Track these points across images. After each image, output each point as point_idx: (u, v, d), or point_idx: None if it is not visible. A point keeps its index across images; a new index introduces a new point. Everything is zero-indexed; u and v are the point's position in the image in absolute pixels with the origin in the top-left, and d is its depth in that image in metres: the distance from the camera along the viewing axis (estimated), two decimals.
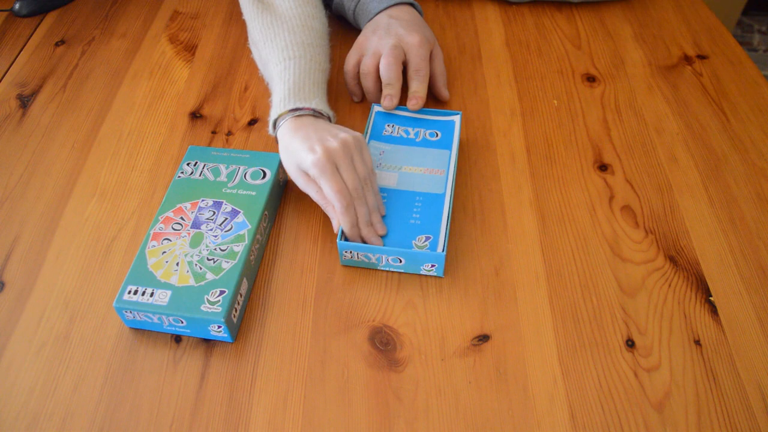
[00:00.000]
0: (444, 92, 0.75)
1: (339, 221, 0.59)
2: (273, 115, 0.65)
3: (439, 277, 0.60)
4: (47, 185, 0.70)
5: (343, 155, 0.59)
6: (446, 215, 0.61)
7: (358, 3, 0.78)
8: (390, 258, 0.58)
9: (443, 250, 0.58)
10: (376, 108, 0.72)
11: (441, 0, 0.92)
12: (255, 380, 0.54)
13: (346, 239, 0.60)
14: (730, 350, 0.54)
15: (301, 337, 0.56)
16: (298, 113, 0.63)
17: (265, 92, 0.79)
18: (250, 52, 0.84)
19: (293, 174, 0.62)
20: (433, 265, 0.58)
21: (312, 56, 0.68)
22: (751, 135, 0.71)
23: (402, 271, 0.60)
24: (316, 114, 0.64)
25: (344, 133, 0.61)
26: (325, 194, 0.59)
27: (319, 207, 0.66)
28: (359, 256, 0.59)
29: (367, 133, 0.68)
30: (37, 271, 0.62)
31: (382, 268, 0.60)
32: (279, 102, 0.64)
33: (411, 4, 0.76)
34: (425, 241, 0.59)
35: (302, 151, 0.59)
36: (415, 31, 0.71)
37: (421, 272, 0.59)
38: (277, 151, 0.72)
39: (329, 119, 0.66)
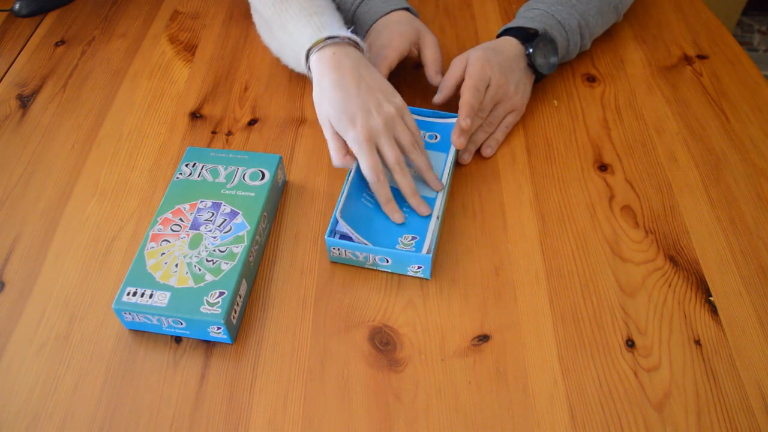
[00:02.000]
0: (435, 78, 0.73)
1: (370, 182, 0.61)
2: (305, 45, 0.64)
3: (426, 279, 0.59)
4: (47, 185, 0.70)
5: (385, 131, 0.61)
6: (435, 218, 0.61)
7: (354, 14, 0.78)
8: (377, 257, 0.58)
9: (429, 252, 0.58)
10: None
11: (441, 0, 0.92)
12: (255, 380, 0.54)
13: (340, 237, 0.60)
14: (730, 350, 0.54)
15: (301, 337, 0.56)
16: (333, 41, 0.63)
17: (265, 92, 0.79)
18: (249, 52, 0.84)
19: (323, 120, 0.63)
20: (419, 267, 0.58)
21: (333, 13, 0.68)
22: (751, 135, 0.71)
23: (390, 270, 0.60)
24: (351, 43, 0.64)
25: (387, 104, 0.62)
26: (361, 169, 0.61)
27: (319, 207, 0.66)
28: (346, 253, 0.59)
29: None
30: (37, 271, 0.62)
31: (370, 267, 0.60)
32: (311, 34, 0.64)
33: (404, 9, 0.76)
34: (411, 240, 0.59)
35: (342, 117, 0.60)
36: (386, 35, 0.72)
37: (408, 273, 0.59)
38: (276, 152, 0.72)
39: (363, 52, 0.65)
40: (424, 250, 0.59)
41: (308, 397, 0.53)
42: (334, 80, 0.61)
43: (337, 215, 0.59)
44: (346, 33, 0.64)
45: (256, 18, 0.77)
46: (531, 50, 0.70)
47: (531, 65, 0.71)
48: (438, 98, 0.71)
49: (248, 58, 0.84)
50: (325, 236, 0.59)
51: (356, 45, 0.65)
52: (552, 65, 0.73)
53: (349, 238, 0.59)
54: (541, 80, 0.75)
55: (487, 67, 0.68)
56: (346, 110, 0.60)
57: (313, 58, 0.64)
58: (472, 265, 0.61)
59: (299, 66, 0.68)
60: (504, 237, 0.63)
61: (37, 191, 0.69)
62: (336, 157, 0.63)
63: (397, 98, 0.63)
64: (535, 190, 0.67)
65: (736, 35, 2.11)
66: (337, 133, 0.62)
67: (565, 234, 0.63)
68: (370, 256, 0.58)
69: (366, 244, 0.58)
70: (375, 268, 0.60)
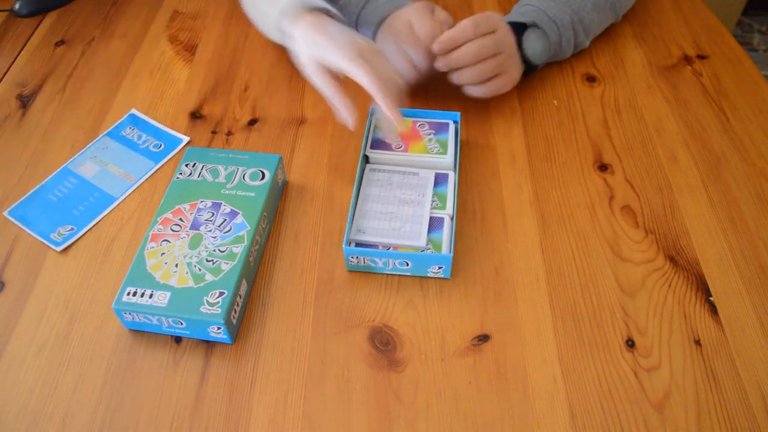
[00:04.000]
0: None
1: (383, 105, 0.59)
2: (285, 6, 0.63)
3: (446, 278, 0.59)
4: None
5: (371, 52, 0.60)
6: (449, 218, 0.61)
7: (359, 15, 0.77)
8: (397, 262, 0.58)
9: (450, 252, 0.58)
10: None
11: (441, 0, 0.92)
12: (255, 380, 0.54)
13: (355, 245, 0.59)
14: (730, 350, 0.54)
15: (301, 337, 0.56)
16: (313, 9, 0.63)
17: (265, 92, 0.79)
18: (249, 52, 0.84)
19: (310, 65, 0.61)
20: (440, 267, 0.58)
21: None
22: (751, 135, 0.71)
23: (410, 274, 0.60)
24: (332, 15, 0.65)
25: (367, 39, 0.62)
26: (363, 83, 0.59)
27: (319, 207, 0.66)
28: (365, 261, 0.59)
29: (367, 139, 0.68)
30: (37, 271, 0.62)
31: (389, 272, 0.60)
32: (290, 2, 0.64)
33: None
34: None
35: (329, 46, 0.60)
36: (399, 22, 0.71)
37: (429, 274, 0.59)
38: (276, 152, 0.72)
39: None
40: (444, 250, 0.59)
41: (308, 397, 0.53)
42: (317, 29, 0.61)
43: None
44: (325, 5, 0.65)
45: None
46: (521, 42, 0.71)
47: (521, 56, 0.72)
48: (436, 47, 0.68)
49: (248, 58, 0.84)
50: (343, 246, 0.58)
51: (330, 16, 0.65)
52: (540, 59, 0.73)
53: (366, 246, 0.59)
54: (530, 74, 0.75)
55: (498, 18, 0.68)
56: (332, 43, 0.60)
57: (295, 23, 0.63)
58: (472, 265, 0.61)
59: (274, 30, 0.68)
60: (504, 237, 0.63)
61: None
62: (339, 104, 0.61)
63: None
64: (535, 190, 0.67)
65: (736, 35, 2.10)
66: (326, 72, 0.61)
67: (565, 234, 0.63)
68: (390, 261, 0.58)
69: None
70: (394, 272, 0.60)
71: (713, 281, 0.59)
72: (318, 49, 0.61)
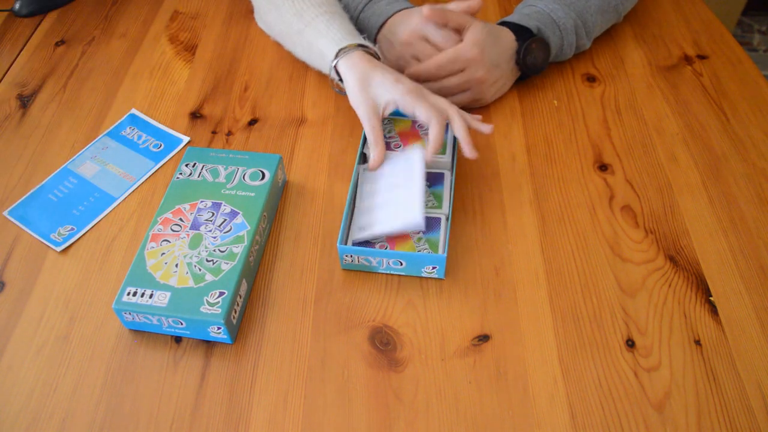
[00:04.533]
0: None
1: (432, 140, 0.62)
2: (337, 43, 0.66)
3: (440, 279, 0.59)
4: None
5: (423, 88, 0.65)
6: (445, 218, 0.61)
7: (358, 17, 0.77)
8: (391, 261, 0.58)
9: (444, 252, 0.58)
10: None
11: (441, 0, 0.92)
12: (255, 380, 0.54)
13: (352, 243, 0.59)
14: (730, 350, 0.54)
15: (301, 337, 0.56)
16: (364, 50, 0.66)
17: (265, 92, 0.79)
18: (250, 52, 0.84)
19: (364, 106, 0.64)
20: (434, 267, 0.58)
21: (347, 17, 0.70)
22: (751, 135, 0.71)
23: (404, 273, 0.60)
24: (378, 57, 0.67)
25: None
26: (419, 117, 0.62)
27: (319, 207, 0.66)
28: (360, 259, 0.59)
29: (365, 138, 0.68)
30: (37, 271, 0.62)
31: (383, 271, 0.60)
32: (342, 37, 0.66)
33: (408, 9, 0.76)
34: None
35: (388, 83, 0.63)
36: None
37: (423, 274, 0.59)
38: (276, 152, 0.72)
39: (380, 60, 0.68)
40: (440, 250, 0.59)
41: (308, 397, 0.53)
42: (372, 68, 0.64)
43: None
44: (374, 47, 0.67)
45: (260, 3, 0.77)
46: (522, 49, 0.71)
47: (519, 63, 0.72)
48: (406, 73, 0.71)
49: (248, 58, 0.84)
50: (337, 244, 0.58)
51: (376, 55, 0.68)
52: (541, 67, 0.73)
53: (362, 245, 0.59)
54: (527, 78, 0.75)
55: (470, 56, 0.68)
56: (390, 79, 0.63)
57: (348, 62, 0.65)
58: (472, 265, 0.61)
59: (316, 59, 0.70)
60: (504, 237, 0.63)
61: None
62: (380, 153, 0.63)
63: None
64: (535, 190, 0.67)
65: (736, 35, 2.10)
66: (378, 116, 0.64)
67: (565, 234, 0.63)
68: (384, 260, 0.58)
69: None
70: (388, 272, 0.60)
71: (713, 281, 0.59)
72: (376, 88, 0.63)
